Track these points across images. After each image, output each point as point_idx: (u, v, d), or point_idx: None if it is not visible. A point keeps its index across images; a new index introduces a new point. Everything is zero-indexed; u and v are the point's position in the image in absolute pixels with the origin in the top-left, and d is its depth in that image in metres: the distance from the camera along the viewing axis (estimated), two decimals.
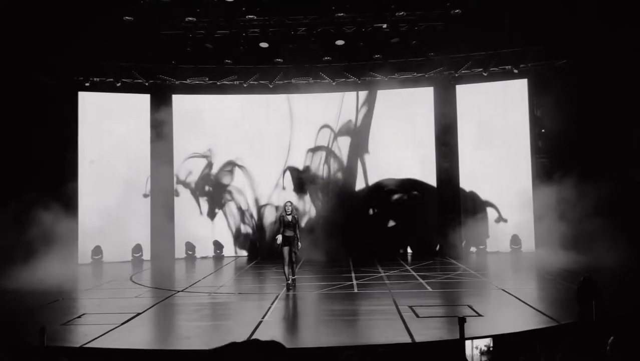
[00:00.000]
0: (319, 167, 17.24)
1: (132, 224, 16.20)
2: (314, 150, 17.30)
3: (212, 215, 17.25)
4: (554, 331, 7.27)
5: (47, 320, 8.27)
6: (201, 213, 17.18)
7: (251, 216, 17.34)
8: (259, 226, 17.24)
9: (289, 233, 10.62)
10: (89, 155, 16.30)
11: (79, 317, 8.86)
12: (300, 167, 17.19)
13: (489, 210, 16.33)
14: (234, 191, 17.36)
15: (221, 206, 17.30)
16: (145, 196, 16.69)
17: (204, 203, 17.28)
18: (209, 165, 17.24)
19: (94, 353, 6.78)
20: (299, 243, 10.77)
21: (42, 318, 8.68)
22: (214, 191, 17.30)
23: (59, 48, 14.45)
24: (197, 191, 17.23)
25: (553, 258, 13.61)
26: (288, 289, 10.55)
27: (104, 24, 14.26)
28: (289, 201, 10.95)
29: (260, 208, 17.30)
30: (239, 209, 17.28)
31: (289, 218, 10.64)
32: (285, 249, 10.61)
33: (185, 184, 17.13)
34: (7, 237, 12.46)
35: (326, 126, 17.37)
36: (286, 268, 10.66)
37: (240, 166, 17.32)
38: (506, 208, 16.11)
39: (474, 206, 16.37)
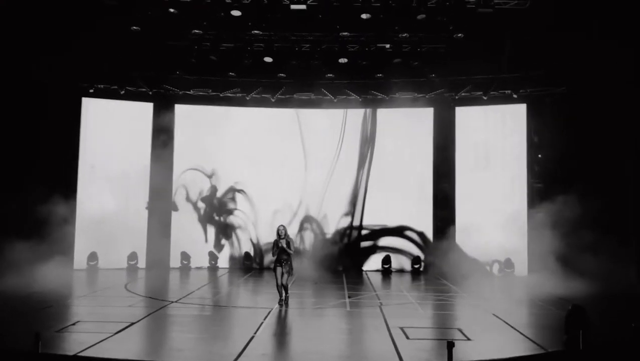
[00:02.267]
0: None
1: (129, 232, 16.32)
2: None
3: (212, 234, 17.44)
4: (540, 359, 7.40)
5: (41, 325, 8.38)
6: (206, 240, 17.36)
7: (249, 230, 17.51)
8: (255, 242, 17.39)
9: (282, 256, 10.86)
10: (90, 160, 16.46)
11: (73, 324, 8.96)
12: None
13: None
14: (234, 208, 17.52)
15: (222, 226, 17.46)
16: (147, 208, 16.82)
17: (204, 221, 17.46)
18: (213, 188, 17.39)
19: None
20: (291, 270, 10.95)
21: (36, 323, 8.77)
22: (214, 210, 17.45)
23: (65, 54, 14.66)
24: (197, 209, 17.38)
25: (545, 283, 13.72)
26: (280, 305, 10.73)
27: (111, 32, 14.50)
28: (282, 225, 11.10)
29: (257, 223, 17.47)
30: (238, 227, 17.44)
31: (283, 242, 10.86)
32: (278, 270, 10.85)
33: (187, 199, 17.27)
34: (5, 239, 12.58)
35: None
36: (279, 287, 10.89)
37: (239, 190, 17.49)
38: (499, 231, 16.22)
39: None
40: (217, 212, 17.46)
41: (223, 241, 17.50)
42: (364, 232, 17.48)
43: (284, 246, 10.82)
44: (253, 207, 17.40)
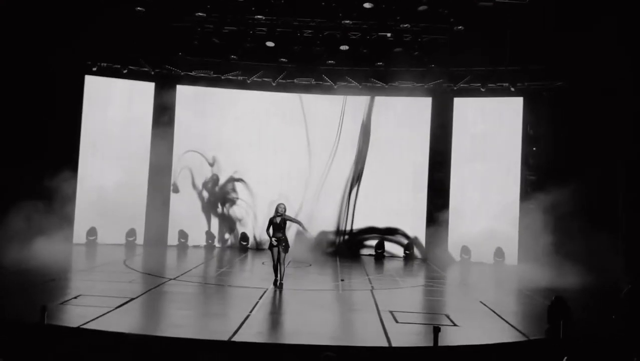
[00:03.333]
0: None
1: (128, 209, 16.59)
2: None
3: (209, 210, 17.74)
4: (521, 346, 7.78)
5: (45, 298, 8.70)
6: (209, 227, 17.62)
7: (246, 210, 17.81)
8: (253, 219, 17.70)
9: (277, 234, 10.89)
10: (92, 138, 16.68)
11: (75, 298, 9.28)
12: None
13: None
14: (235, 198, 17.79)
15: (223, 215, 17.77)
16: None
17: (207, 210, 17.75)
18: (214, 177, 17.64)
19: (90, 334, 7.23)
20: (287, 247, 11.01)
21: (40, 296, 9.10)
22: (216, 200, 17.75)
23: (70, 31, 14.80)
24: (200, 196, 17.67)
25: (534, 273, 14.08)
26: (275, 285, 10.95)
27: (117, 12, 14.65)
28: (282, 203, 11.13)
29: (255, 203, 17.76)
30: (235, 202, 17.73)
31: (278, 219, 10.89)
32: (274, 250, 10.93)
33: (193, 185, 17.52)
34: (8, 212, 12.85)
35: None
36: (275, 266, 10.99)
37: (239, 180, 17.72)
38: (492, 220, 16.57)
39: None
40: (219, 202, 17.75)
41: (221, 224, 17.83)
42: (358, 221, 17.79)
43: (278, 222, 10.85)
44: (252, 193, 17.64)
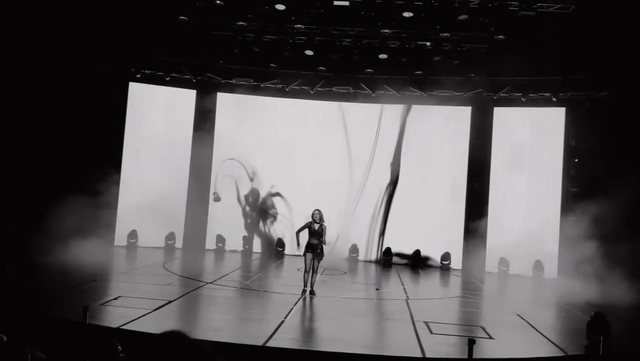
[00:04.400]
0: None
1: (168, 213, 16.94)
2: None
3: (247, 219, 18.00)
4: None
5: (87, 298, 8.97)
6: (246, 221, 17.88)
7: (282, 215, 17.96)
8: (290, 228, 17.84)
9: (314, 241, 10.84)
10: (135, 143, 17.15)
11: (116, 299, 9.55)
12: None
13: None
14: (275, 213, 17.98)
15: (261, 220, 18.01)
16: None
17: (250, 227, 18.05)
18: (255, 192, 17.87)
19: (130, 334, 7.43)
20: (322, 255, 10.91)
21: (82, 296, 9.38)
22: (254, 206, 18.01)
23: (115, 40, 15.28)
24: (240, 204, 17.95)
25: (574, 287, 13.78)
26: (303, 294, 10.85)
27: (159, 21, 15.05)
28: (317, 209, 11.03)
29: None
30: (276, 217, 17.90)
31: (316, 226, 10.86)
32: (308, 256, 10.82)
33: (237, 197, 17.83)
34: (54, 216, 13.30)
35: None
36: (306, 275, 10.91)
37: (276, 194, 17.89)
38: (532, 232, 16.27)
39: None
40: (260, 218, 17.96)
41: (259, 228, 18.07)
42: (393, 233, 17.74)
43: (316, 229, 10.76)
44: (289, 206, 17.75)
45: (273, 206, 17.87)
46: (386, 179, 17.88)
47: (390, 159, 17.87)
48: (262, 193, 17.99)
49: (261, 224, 17.97)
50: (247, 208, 17.92)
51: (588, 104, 15.77)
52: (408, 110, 17.84)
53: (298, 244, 10.98)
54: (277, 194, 17.93)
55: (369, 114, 17.94)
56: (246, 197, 17.97)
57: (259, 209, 17.96)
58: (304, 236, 10.98)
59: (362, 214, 17.86)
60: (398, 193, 17.75)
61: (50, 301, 9.02)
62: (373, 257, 17.77)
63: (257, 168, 18.00)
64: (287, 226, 17.71)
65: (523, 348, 8.32)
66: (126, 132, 17.04)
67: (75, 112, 15.22)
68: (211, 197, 17.79)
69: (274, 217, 17.90)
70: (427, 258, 17.36)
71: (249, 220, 17.96)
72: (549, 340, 8.74)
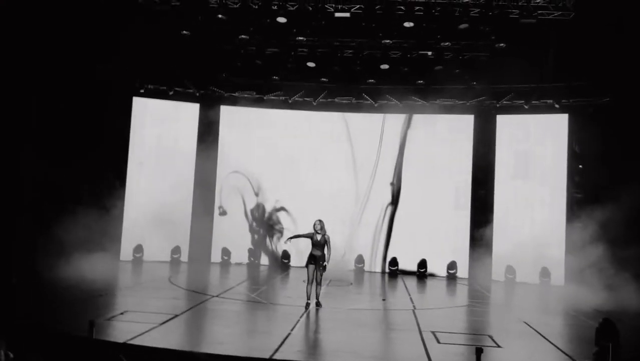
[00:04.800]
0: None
1: (173, 227, 16.96)
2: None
3: (253, 232, 18.00)
4: None
5: (93, 313, 8.98)
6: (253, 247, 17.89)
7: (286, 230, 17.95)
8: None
9: (316, 252, 10.77)
10: (139, 157, 17.21)
11: (122, 313, 9.54)
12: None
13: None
14: (281, 228, 17.94)
15: (268, 237, 18.01)
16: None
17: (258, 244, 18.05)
18: (260, 207, 17.89)
19: (136, 349, 7.42)
20: (326, 264, 10.78)
21: (89, 311, 9.40)
22: (260, 222, 18.00)
23: (119, 55, 15.39)
24: (247, 220, 17.96)
25: (581, 293, 13.71)
26: (307, 309, 10.71)
27: (163, 36, 15.18)
28: (318, 220, 10.94)
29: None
30: (282, 232, 17.87)
31: (318, 236, 10.78)
32: (310, 268, 10.76)
33: (245, 212, 17.85)
34: (62, 230, 13.33)
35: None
36: (308, 287, 10.83)
37: (281, 209, 17.88)
38: (537, 239, 16.22)
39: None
40: (268, 235, 17.96)
41: (265, 242, 18.06)
42: (397, 241, 17.70)
43: (318, 240, 10.66)
44: (293, 219, 17.70)
45: (279, 222, 17.86)
46: (390, 189, 17.86)
47: (393, 168, 17.86)
48: (268, 208, 17.99)
49: (268, 240, 17.96)
50: (254, 224, 17.92)
51: (591, 109, 15.75)
52: (409, 119, 17.84)
53: (289, 239, 10.98)
54: (282, 208, 17.93)
55: (371, 124, 17.97)
56: (252, 211, 17.98)
57: (266, 225, 17.95)
58: (302, 243, 10.94)
59: (368, 224, 17.84)
60: (403, 202, 17.72)
61: (56, 315, 9.03)
62: (379, 267, 17.73)
63: (262, 180, 18.02)
64: (293, 241, 17.57)
65: (531, 356, 8.26)
66: (130, 147, 17.10)
67: (82, 125, 15.28)
68: (216, 210, 17.81)
69: (281, 232, 17.89)
70: (433, 267, 17.28)
71: (256, 236, 17.96)
72: (557, 348, 8.68)
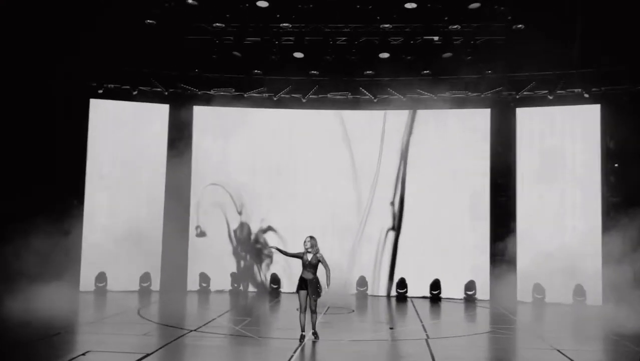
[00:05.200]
0: None
1: (142, 251, 16.91)
2: None
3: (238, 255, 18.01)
4: None
5: (48, 356, 8.93)
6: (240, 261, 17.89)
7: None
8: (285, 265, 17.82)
9: (307, 275, 10.61)
10: (99, 170, 17.18)
11: (84, 354, 9.46)
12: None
13: None
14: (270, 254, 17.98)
15: (256, 265, 18.02)
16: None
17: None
18: (245, 227, 17.92)
19: None
20: (320, 291, 10.60)
21: (43, 353, 9.33)
22: (249, 254, 18.08)
23: (71, 50, 15.38)
24: (232, 243, 17.99)
25: (622, 314, 13.75)
26: (301, 342, 10.61)
27: (123, 27, 15.19)
28: (309, 236, 10.76)
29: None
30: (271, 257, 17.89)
31: (309, 256, 10.62)
32: (302, 293, 10.60)
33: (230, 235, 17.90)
34: (6, 261, 13.26)
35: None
36: (302, 316, 10.70)
37: (267, 230, 17.94)
38: (570, 252, 16.28)
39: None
40: (255, 260, 17.99)
41: (252, 267, 18.05)
42: (404, 262, 17.75)
43: (309, 260, 10.55)
44: (282, 239, 17.68)
45: (266, 245, 17.83)
46: (394, 197, 17.90)
47: (397, 174, 17.91)
48: (253, 228, 17.97)
49: (255, 266, 17.94)
50: (239, 248, 17.90)
51: (627, 98, 15.85)
52: (412, 116, 17.89)
53: (276, 248, 10.96)
54: (269, 228, 17.91)
55: (371, 122, 18.03)
56: (235, 233, 17.96)
57: (252, 249, 17.92)
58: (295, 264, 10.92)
59: (370, 240, 17.86)
60: (410, 212, 17.75)
61: (7, 359, 8.95)
62: (384, 290, 17.71)
63: (244, 194, 18.00)
64: (284, 267, 17.59)
65: None
66: (89, 158, 17.07)
67: (26, 138, 15.22)
68: (192, 230, 17.77)
69: (270, 257, 17.88)
70: (448, 289, 17.31)
71: (241, 262, 17.94)
72: None
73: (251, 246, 17.97)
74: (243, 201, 18.04)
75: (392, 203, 17.83)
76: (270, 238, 17.93)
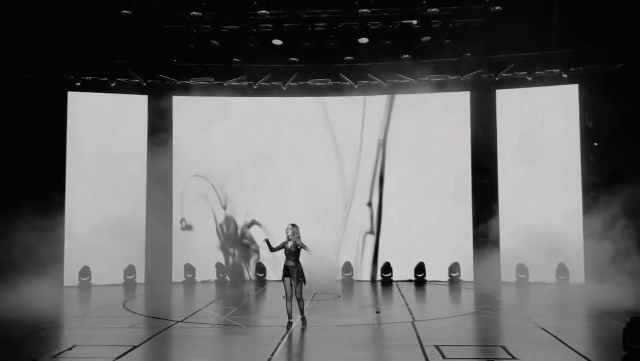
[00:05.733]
0: None
1: (125, 243, 16.83)
2: None
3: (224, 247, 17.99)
4: None
5: (35, 351, 8.88)
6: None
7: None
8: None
9: (289, 263, 10.74)
10: (79, 163, 17.02)
11: (70, 349, 9.43)
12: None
13: None
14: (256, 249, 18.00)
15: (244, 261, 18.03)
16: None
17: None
18: (230, 222, 17.89)
19: None
20: (303, 278, 10.73)
21: (29, 348, 9.27)
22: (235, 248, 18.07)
23: (47, 42, 15.19)
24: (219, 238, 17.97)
25: (605, 291, 13.92)
26: (289, 328, 10.70)
27: (99, 17, 15.03)
28: (291, 224, 10.87)
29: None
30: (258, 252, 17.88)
31: (289, 244, 10.74)
32: (286, 281, 10.75)
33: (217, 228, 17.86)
34: None
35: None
36: (288, 304, 10.81)
37: (252, 224, 17.93)
38: (552, 232, 16.43)
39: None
40: (242, 253, 18.00)
41: (235, 255, 18.02)
42: (388, 246, 17.84)
43: (289, 248, 10.65)
44: (266, 230, 17.63)
45: (252, 241, 17.81)
46: (375, 182, 17.96)
47: (377, 159, 17.94)
48: (239, 222, 17.93)
49: (243, 261, 17.91)
50: (227, 244, 17.86)
51: (604, 78, 15.95)
52: (390, 101, 17.90)
53: (266, 241, 10.89)
54: (254, 222, 17.88)
55: (353, 108, 18.01)
56: (221, 228, 17.90)
57: (240, 244, 17.88)
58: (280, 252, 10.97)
59: (354, 225, 17.91)
60: (394, 197, 17.83)
61: None
62: (370, 275, 17.80)
63: (227, 185, 17.93)
64: (269, 256, 17.54)
65: None
66: (68, 151, 16.91)
67: (3, 133, 15.04)
68: (175, 221, 17.68)
69: (257, 253, 17.87)
70: (432, 271, 17.43)
71: (230, 257, 17.90)
72: (580, 355, 8.81)
73: (239, 241, 17.92)
74: (226, 192, 17.98)
75: (373, 188, 17.88)
76: (256, 232, 17.88)
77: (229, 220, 17.96)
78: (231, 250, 17.95)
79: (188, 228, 17.75)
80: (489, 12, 15.27)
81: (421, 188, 17.61)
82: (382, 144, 17.92)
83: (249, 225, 17.92)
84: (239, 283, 17.62)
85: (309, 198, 17.74)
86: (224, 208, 17.94)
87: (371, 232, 17.88)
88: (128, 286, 16.83)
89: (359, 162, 18.01)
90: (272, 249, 10.95)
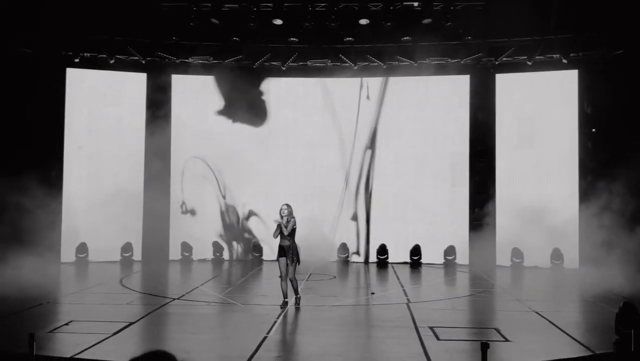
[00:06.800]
0: None
1: (123, 220, 16.84)
2: None
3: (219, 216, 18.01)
4: None
5: (32, 326, 8.91)
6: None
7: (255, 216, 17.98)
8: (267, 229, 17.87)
9: (283, 242, 10.79)
10: (77, 139, 16.99)
11: (67, 324, 9.50)
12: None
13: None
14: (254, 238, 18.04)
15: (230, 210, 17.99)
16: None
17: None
18: (231, 210, 17.89)
19: None
20: (297, 259, 10.81)
21: (27, 323, 9.33)
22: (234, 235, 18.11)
23: (45, 18, 15.07)
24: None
25: (599, 276, 14.00)
26: (284, 308, 10.76)
27: None
28: (285, 204, 10.89)
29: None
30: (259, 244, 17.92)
31: (285, 222, 10.76)
32: (281, 261, 10.78)
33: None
34: None
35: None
36: (283, 283, 10.87)
37: (250, 215, 17.95)
38: (547, 217, 16.51)
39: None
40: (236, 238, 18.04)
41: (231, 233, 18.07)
42: (385, 227, 17.88)
43: (284, 229, 10.70)
44: (264, 221, 17.65)
45: (251, 234, 17.86)
46: (373, 164, 17.99)
47: (374, 141, 17.94)
48: (239, 212, 17.96)
49: (250, 255, 17.96)
50: (229, 234, 17.91)
51: (603, 64, 15.92)
52: (385, 83, 17.84)
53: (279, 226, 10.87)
54: (252, 213, 17.88)
55: (353, 90, 17.97)
56: (223, 216, 17.91)
57: (241, 235, 17.95)
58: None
59: (351, 207, 17.96)
60: (391, 180, 17.84)
61: None
62: (365, 257, 17.88)
63: (225, 168, 17.89)
64: (265, 235, 17.59)
65: (544, 349, 8.45)
66: (66, 128, 16.87)
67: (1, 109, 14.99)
68: (173, 199, 17.67)
69: (257, 246, 17.90)
70: (428, 254, 17.51)
71: (232, 248, 17.97)
72: (573, 339, 8.91)
73: (241, 232, 17.96)
74: (224, 174, 17.92)
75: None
76: (254, 224, 17.91)
77: (231, 209, 17.95)
78: (237, 244, 18.00)
79: (190, 212, 17.76)
80: None
81: (419, 170, 17.64)
82: (382, 126, 17.89)
83: (247, 216, 17.93)
84: (235, 262, 17.70)
85: (307, 177, 17.75)
86: (224, 197, 17.93)
87: (367, 214, 17.92)
88: (125, 263, 16.87)
89: (353, 144, 17.98)
90: (275, 235, 10.99)
